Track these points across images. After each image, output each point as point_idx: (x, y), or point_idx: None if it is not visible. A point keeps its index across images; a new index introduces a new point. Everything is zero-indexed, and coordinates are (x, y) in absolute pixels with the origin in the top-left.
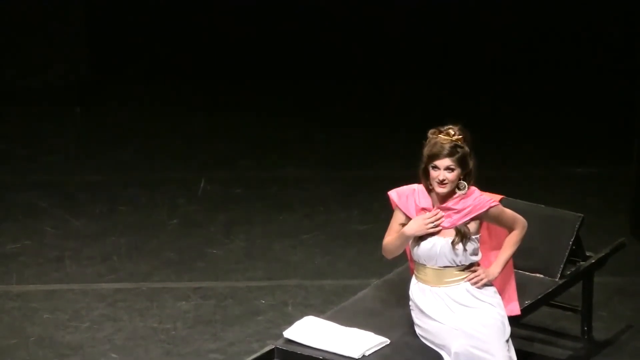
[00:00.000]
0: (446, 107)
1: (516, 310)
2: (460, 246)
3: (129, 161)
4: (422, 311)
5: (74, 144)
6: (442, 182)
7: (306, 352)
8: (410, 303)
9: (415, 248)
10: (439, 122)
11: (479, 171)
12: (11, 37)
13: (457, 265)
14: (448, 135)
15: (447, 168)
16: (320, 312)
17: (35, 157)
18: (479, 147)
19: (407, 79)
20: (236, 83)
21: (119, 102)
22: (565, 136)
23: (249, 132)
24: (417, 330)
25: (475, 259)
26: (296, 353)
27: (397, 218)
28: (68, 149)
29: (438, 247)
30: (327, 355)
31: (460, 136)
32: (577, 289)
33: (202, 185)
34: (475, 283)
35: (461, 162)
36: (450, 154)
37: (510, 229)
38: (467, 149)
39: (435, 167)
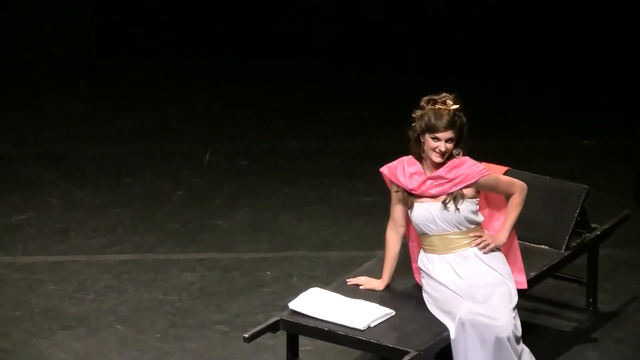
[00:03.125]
0: (450, 80)
1: (523, 284)
2: (451, 205)
3: (134, 133)
4: (432, 278)
5: (79, 115)
6: (440, 152)
7: (311, 324)
8: (421, 272)
9: (413, 217)
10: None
11: (485, 143)
12: (17, 10)
13: (459, 229)
14: (445, 105)
15: (448, 139)
16: (325, 284)
17: (41, 129)
18: (483, 118)
19: (411, 52)
20: (241, 55)
21: (124, 74)
22: (571, 108)
23: (254, 104)
24: (425, 297)
25: (475, 218)
26: (301, 324)
27: (393, 192)
28: (73, 121)
29: (432, 211)
30: (332, 327)
31: (457, 105)
32: (582, 260)
33: (207, 157)
34: (483, 248)
35: (460, 132)
36: (451, 126)
37: (509, 194)
38: (464, 118)
39: (436, 139)
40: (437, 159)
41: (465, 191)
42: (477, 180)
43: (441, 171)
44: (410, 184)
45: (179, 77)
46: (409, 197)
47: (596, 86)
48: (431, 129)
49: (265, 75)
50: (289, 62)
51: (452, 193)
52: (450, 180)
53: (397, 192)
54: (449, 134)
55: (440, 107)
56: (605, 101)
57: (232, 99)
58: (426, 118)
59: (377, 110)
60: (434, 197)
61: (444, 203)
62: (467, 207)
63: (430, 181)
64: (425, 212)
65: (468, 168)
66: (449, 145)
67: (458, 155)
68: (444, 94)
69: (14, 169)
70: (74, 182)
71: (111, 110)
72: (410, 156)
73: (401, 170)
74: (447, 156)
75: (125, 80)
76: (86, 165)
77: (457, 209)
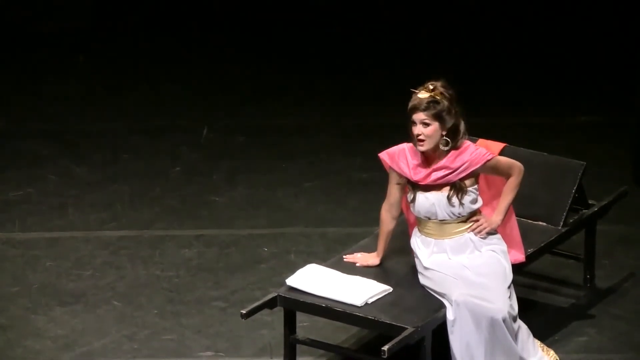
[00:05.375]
0: (448, 56)
1: (521, 257)
2: (455, 199)
3: (132, 109)
4: (424, 260)
5: (77, 91)
6: (419, 138)
7: (309, 300)
8: (414, 253)
9: (414, 205)
10: (440, 70)
11: (482, 120)
12: None
13: (458, 217)
14: (427, 90)
15: (423, 122)
16: (322, 260)
17: (39, 105)
18: (481, 94)
19: (409, 28)
20: (239, 31)
21: (122, 50)
22: (569, 84)
23: (252, 80)
24: (420, 279)
25: (475, 206)
26: (299, 301)
27: (393, 178)
28: (71, 97)
29: (435, 202)
30: (329, 303)
31: (440, 90)
32: (579, 237)
33: (204, 132)
34: (479, 232)
35: (438, 117)
36: (424, 109)
37: (507, 176)
38: (445, 103)
39: (413, 123)
40: (418, 146)
41: (466, 181)
42: (483, 165)
43: (445, 161)
44: (415, 175)
45: (177, 53)
46: (413, 189)
47: (594, 62)
48: (409, 112)
49: (263, 51)
50: (286, 38)
51: (455, 186)
52: (455, 169)
53: (398, 184)
54: (421, 116)
55: (422, 91)
56: (603, 77)
57: (229, 75)
58: (409, 103)
59: (375, 86)
60: (439, 187)
61: (449, 198)
62: (469, 198)
63: (435, 173)
64: (428, 203)
65: (472, 154)
66: (425, 130)
67: (445, 146)
68: (431, 81)
69: (11, 145)
70: (71, 158)
71: (109, 87)
72: (412, 145)
73: (404, 160)
74: (432, 146)
75: (123, 56)
76: (84, 142)
77: (462, 204)
